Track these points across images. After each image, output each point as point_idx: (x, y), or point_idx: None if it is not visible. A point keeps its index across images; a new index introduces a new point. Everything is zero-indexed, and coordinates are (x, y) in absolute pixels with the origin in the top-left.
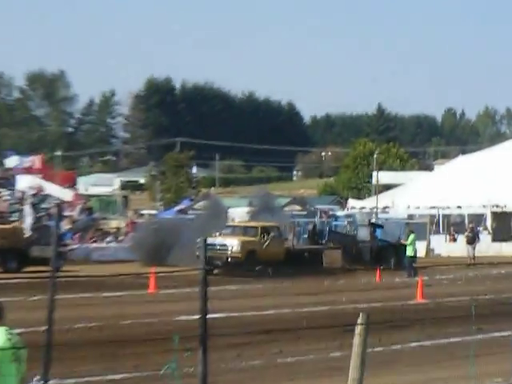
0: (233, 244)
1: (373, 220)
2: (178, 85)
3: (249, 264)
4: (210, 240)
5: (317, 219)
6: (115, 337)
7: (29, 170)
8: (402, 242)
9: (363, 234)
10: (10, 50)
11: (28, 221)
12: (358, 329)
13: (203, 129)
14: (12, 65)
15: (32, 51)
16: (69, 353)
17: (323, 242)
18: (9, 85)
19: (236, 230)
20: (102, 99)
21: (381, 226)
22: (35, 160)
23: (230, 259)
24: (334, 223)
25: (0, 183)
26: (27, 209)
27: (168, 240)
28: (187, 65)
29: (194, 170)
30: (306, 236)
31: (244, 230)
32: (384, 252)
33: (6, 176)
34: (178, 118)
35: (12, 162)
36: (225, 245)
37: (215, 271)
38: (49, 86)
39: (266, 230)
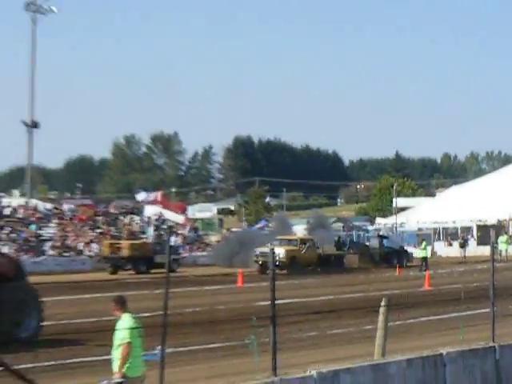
0: (280, 252)
1: (381, 233)
2: (255, 139)
3: (291, 266)
4: (265, 249)
5: (341, 233)
6: (212, 318)
7: (153, 202)
8: (403, 247)
9: (374, 242)
10: (137, 116)
11: (152, 237)
12: (382, 309)
13: (274, 171)
14: (140, 127)
15: (153, 116)
16: (179, 330)
17: (345, 249)
18: (138, 143)
19: (282, 242)
20: (203, 151)
21: (386, 237)
22: (157, 195)
23: (278, 263)
24: (356, 234)
25: (133, 212)
26: (151, 229)
27: (241, 248)
28: (261, 122)
29: (268, 199)
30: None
31: (288, 242)
32: (389, 255)
33: (137, 207)
34: (256, 163)
35: (141, 196)
36: (274, 252)
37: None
38: (166, 143)
39: (303, 241)
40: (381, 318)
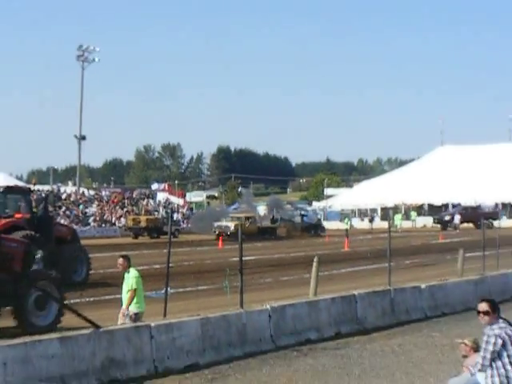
0: (230, 225)
1: (302, 212)
2: (232, 148)
3: (237, 235)
4: (220, 223)
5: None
6: (202, 269)
7: (162, 191)
8: (319, 222)
9: (297, 219)
10: (153, 129)
11: (161, 214)
12: (314, 263)
13: (244, 170)
14: (154, 138)
15: (163, 129)
16: (179, 276)
17: (277, 223)
18: (153, 150)
19: (233, 218)
20: (197, 156)
21: (306, 215)
22: (165, 186)
23: (229, 233)
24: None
25: (149, 197)
26: (161, 209)
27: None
28: (236, 135)
29: (240, 189)
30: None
31: (237, 218)
32: (308, 228)
33: (151, 193)
34: (232, 164)
35: (154, 186)
36: (227, 226)
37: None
38: (172, 150)
39: (247, 218)
40: (313, 269)
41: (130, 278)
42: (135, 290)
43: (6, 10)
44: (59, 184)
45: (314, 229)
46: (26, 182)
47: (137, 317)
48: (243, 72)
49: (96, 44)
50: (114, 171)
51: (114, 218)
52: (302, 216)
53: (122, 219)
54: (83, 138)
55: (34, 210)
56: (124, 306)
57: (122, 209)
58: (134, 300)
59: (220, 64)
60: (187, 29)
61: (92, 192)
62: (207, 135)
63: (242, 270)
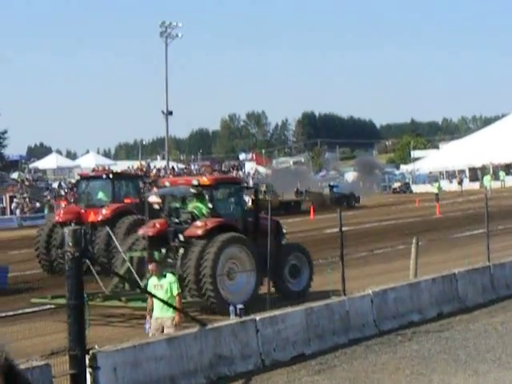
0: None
1: (331, 183)
2: (316, 113)
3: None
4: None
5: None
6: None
7: (250, 160)
8: (353, 192)
9: (326, 190)
10: (237, 98)
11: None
12: (413, 244)
13: (329, 134)
14: (239, 107)
15: (248, 97)
16: None
17: (302, 197)
18: (238, 119)
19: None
20: (282, 123)
21: (336, 186)
22: (252, 155)
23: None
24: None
25: (237, 168)
26: (250, 179)
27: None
28: (320, 99)
29: (326, 154)
30: None
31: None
32: (340, 199)
33: (240, 164)
34: (317, 130)
35: (242, 156)
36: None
37: None
38: (257, 118)
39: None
40: (412, 250)
41: (170, 283)
42: (180, 293)
43: None
44: (148, 160)
45: (346, 200)
46: (113, 158)
47: (172, 322)
48: (324, 35)
49: (178, 19)
50: (201, 141)
51: None
52: (332, 187)
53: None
54: (170, 113)
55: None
56: (162, 314)
57: None
58: (173, 304)
59: (303, 28)
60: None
61: (181, 166)
62: (291, 102)
63: (342, 256)
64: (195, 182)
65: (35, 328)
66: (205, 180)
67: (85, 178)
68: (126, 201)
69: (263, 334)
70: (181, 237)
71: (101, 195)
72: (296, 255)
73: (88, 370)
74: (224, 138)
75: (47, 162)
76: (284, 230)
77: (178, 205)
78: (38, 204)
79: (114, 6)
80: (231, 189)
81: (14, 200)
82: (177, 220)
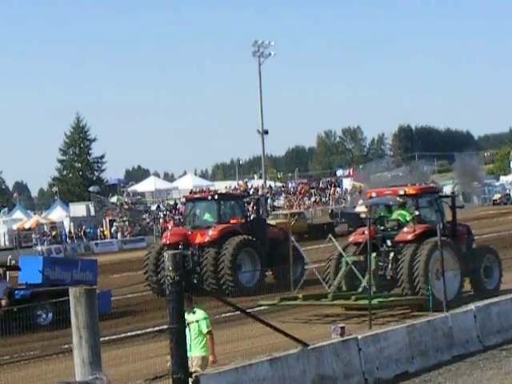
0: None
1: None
2: (413, 126)
3: None
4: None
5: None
6: None
7: (347, 176)
8: None
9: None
10: (333, 114)
11: (349, 202)
12: None
13: (426, 147)
14: (334, 124)
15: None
16: None
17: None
18: (333, 135)
19: (278, 216)
20: (378, 137)
21: None
22: (350, 171)
23: None
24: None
25: (334, 184)
26: (349, 197)
27: None
28: (415, 113)
29: (425, 168)
30: None
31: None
32: None
33: (337, 180)
34: (414, 143)
35: (339, 172)
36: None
37: None
38: (353, 133)
39: (292, 214)
40: None
41: (200, 320)
42: (211, 331)
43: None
44: (246, 179)
45: None
46: (211, 178)
47: (203, 362)
48: (417, 46)
49: (271, 38)
50: (297, 159)
51: (302, 209)
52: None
53: (311, 209)
54: (266, 132)
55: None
56: (191, 353)
57: (310, 199)
58: (202, 343)
59: (392, 41)
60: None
61: (279, 184)
62: (387, 116)
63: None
64: (401, 192)
65: (138, 352)
66: (410, 190)
67: (190, 199)
68: (232, 221)
69: (365, 352)
70: (388, 242)
71: (207, 216)
72: (488, 257)
73: None
74: (320, 154)
75: (145, 185)
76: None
77: (383, 213)
78: (137, 227)
79: (207, 29)
80: (432, 197)
81: (114, 224)
82: (382, 227)
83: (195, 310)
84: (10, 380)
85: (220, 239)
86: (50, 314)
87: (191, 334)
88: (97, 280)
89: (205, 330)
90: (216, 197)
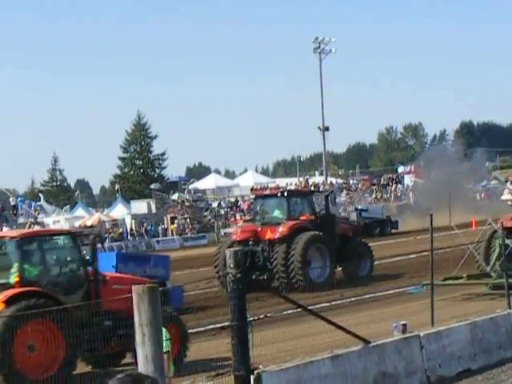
0: None
1: (359, 206)
2: (474, 122)
3: None
4: None
5: None
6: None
7: (408, 173)
8: (389, 216)
9: (352, 215)
10: (394, 111)
11: (412, 198)
12: None
13: (489, 143)
14: (395, 120)
15: (405, 110)
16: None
17: None
18: (395, 131)
19: None
20: (440, 134)
21: (365, 210)
22: (411, 167)
23: None
24: None
25: (395, 180)
26: (411, 194)
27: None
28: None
29: (487, 164)
30: None
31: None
32: (370, 226)
33: (398, 177)
34: (476, 138)
35: (400, 169)
36: None
37: None
38: (414, 129)
39: None
40: None
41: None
42: (168, 352)
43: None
44: (307, 176)
45: (380, 226)
46: (271, 175)
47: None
48: (479, 43)
49: (332, 35)
50: (358, 155)
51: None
52: (359, 211)
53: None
54: (326, 129)
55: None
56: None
57: (371, 195)
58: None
59: (456, 38)
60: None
61: (340, 181)
62: (448, 112)
63: (507, 272)
64: None
65: (200, 349)
66: None
67: (260, 196)
68: (302, 217)
69: (428, 349)
70: None
71: (276, 213)
72: None
73: None
74: (381, 151)
75: (206, 182)
76: None
77: None
78: (199, 224)
79: (269, 27)
80: None
81: (175, 221)
82: None
83: None
84: None
85: (290, 235)
86: None
87: None
88: (169, 276)
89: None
90: (286, 193)
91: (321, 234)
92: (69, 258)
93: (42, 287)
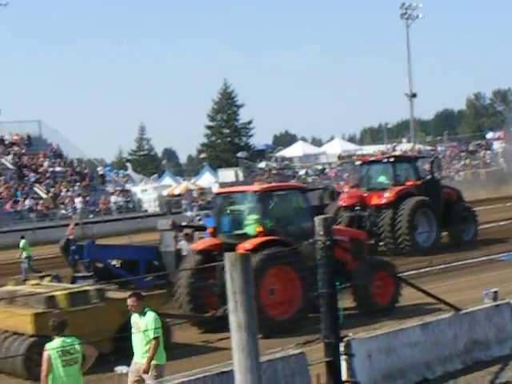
0: None
1: None
2: None
3: None
4: None
5: None
6: None
7: (497, 139)
8: None
9: None
10: (482, 76)
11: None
12: None
13: None
14: (484, 86)
15: (494, 76)
16: None
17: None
18: (483, 97)
19: None
20: None
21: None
22: (500, 133)
23: None
24: None
25: (484, 147)
26: (501, 159)
27: None
28: None
29: None
30: None
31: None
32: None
33: (487, 143)
34: None
35: (489, 135)
36: None
37: None
38: (503, 95)
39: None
40: None
41: (149, 323)
42: (158, 338)
43: None
44: (394, 144)
45: None
46: (359, 142)
47: (158, 370)
48: None
49: (418, 0)
50: (446, 122)
51: (452, 173)
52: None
53: (461, 173)
54: (414, 95)
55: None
56: (141, 360)
57: (459, 162)
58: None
59: None
60: None
61: (428, 148)
62: None
63: None
64: None
65: None
66: None
67: (365, 162)
68: (408, 183)
69: None
70: None
71: (382, 179)
72: None
73: (343, 357)
74: (470, 117)
75: (293, 150)
76: None
77: None
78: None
79: None
80: None
81: None
82: None
83: (146, 311)
84: None
85: (396, 201)
86: None
87: (139, 338)
88: None
89: (151, 335)
90: (391, 159)
91: (427, 198)
92: (300, 210)
93: (280, 236)
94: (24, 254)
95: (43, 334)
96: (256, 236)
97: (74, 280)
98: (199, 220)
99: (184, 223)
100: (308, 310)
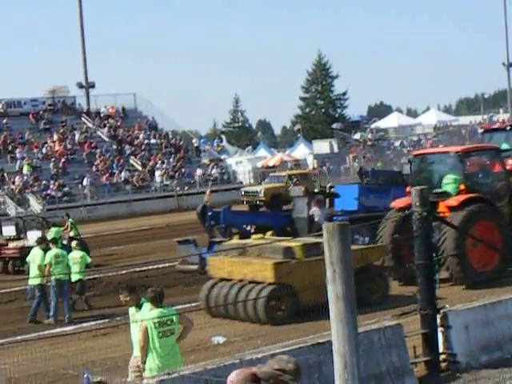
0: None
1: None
2: None
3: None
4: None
5: None
6: None
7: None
8: None
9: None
10: None
11: None
12: None
13: None
14: None
15: None
16: None
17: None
18: None
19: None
20: None
21: None
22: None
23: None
24: None
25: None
26: None
27: None
28: None
29: None
30: None
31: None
32: None
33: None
34: None
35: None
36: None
37: None
38: None
39: (290, 176)
40: None
41: (145, 315)
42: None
43: None
44: (491, 114)
45: None
46: (454, 113)
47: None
48: None
49: None
50: None
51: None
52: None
53: None
54: (511, 65)
55: None
56: (138, 354)
57: None
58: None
59: None
60: None
61: None
62: None
63: None
64: None
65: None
66: None
67: (487, 130)
68: None
69: None
70: None
71: (504, 146)
72: None
73: (439, 329)
74: None
75: (388, 121)
76: None
77: None
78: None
79: None
80: None
81: (356, 161)
82: None
83: (143, 302)
84: None
85: None
86: (367, 238)
87: (136, 331)
88: None
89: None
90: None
91: None
92: (497, 171)
93: (482, 194)
94: (71, 233)
95: (282, 281)
96: (457, 194)
97: (210, 245)
98: (331, 188)
99: (316, 190)
100: (508, 263)
